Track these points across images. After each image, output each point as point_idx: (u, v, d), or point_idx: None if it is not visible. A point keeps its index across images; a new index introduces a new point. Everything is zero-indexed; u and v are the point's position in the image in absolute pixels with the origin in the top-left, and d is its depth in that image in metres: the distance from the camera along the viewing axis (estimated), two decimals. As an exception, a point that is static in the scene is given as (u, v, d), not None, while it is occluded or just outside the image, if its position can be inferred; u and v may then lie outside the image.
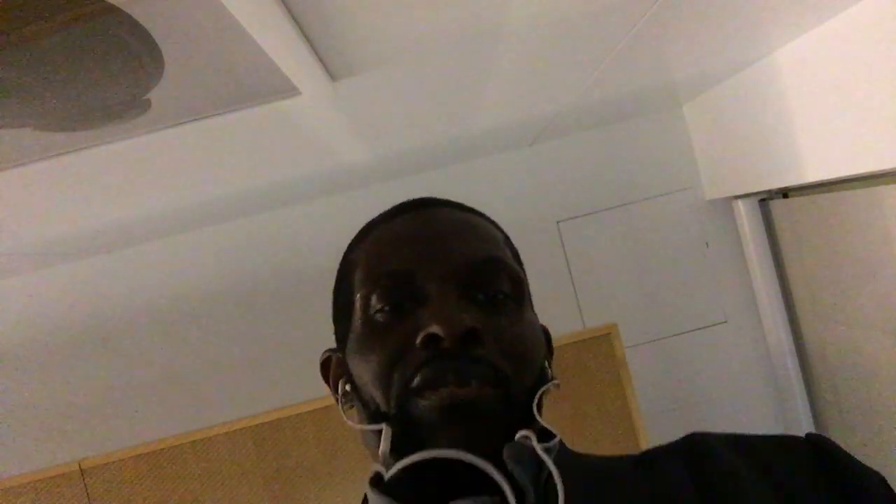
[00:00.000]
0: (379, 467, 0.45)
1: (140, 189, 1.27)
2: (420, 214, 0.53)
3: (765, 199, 1.89)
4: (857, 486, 0.43)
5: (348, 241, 0.57)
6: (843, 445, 0.46)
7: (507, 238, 0.56)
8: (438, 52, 0.90)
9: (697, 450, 0.48)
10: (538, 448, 0.43)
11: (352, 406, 0.51)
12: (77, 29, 0.55)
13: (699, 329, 2.01)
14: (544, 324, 0.55)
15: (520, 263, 0.55)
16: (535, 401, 0.46)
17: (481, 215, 0.56)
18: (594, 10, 0.85)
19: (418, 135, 1.47)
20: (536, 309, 0.54)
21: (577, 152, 2.03)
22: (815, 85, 1.30)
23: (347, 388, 0.51)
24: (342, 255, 0.57)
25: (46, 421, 1.90)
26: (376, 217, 0.56)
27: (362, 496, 0.51)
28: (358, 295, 0.50)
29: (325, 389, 0.57)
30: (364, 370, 0.47)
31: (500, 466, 0.41)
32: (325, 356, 0.57)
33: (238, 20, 0.59)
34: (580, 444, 0.65)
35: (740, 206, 1.92)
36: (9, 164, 0.85)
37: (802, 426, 1.88)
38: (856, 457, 0.46)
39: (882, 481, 0.44)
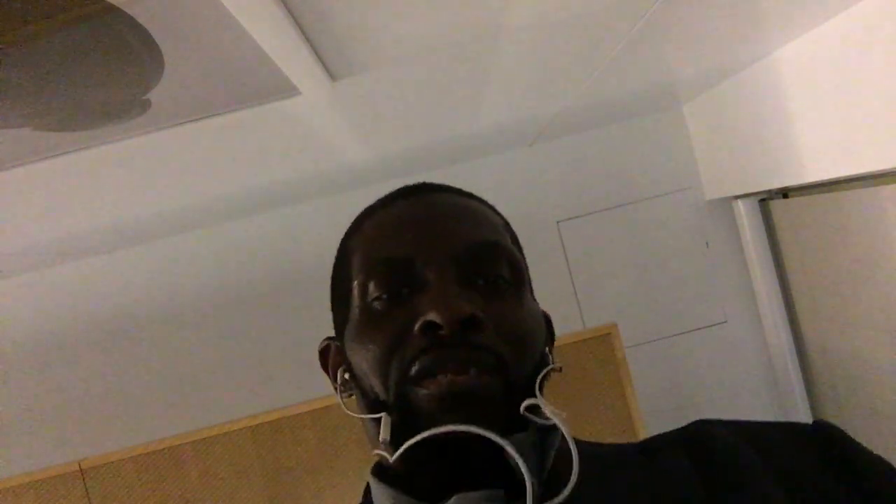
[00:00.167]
0: (382, 452, 0.44)
1: (140, 189, 1.27)
2: (418, 199, 0.52)
3: (765, 199, 1.89)
4: (865, 472, 0.43)
5: None
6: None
7: (506, 223, 0.55)
8: (438, 52, 0.90)
9: (702, 437, 0.48)
10: (559, 422, 0.43)
11: (351, 395, 0.51)
12: (77, 29, 0.55)
13: (699, 329, 2.01)
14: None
15: (519, 249, 0.54)
16: (537, 383, 0.46)
17: (480, 200, 0.55)
18: (594, 10, 0.85)
19: (418, 135, 1.47)
20: (536, 308, 0.54)
21: (577, 152, 2.02)
22: (815, 85, 1.30)
23: (346, 376, 0.50)
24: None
25: (46, 421, 1.90)
26: (374, 202, 0.55)
27: (364, 485, 0.51)
28: (356, 282, 0.49)
29: (324, 387, 0.56)
30: (362, 358, 0.47)
31: (500, 454, 0.41)
32: (323, 344, 0.56)
33: (238, 20, 0.59)
34: (580, 444, 0.65)
35: (740, 206, 1.92)
36: (9, 164, 0.85)
37: (802, 426, 1.88)
38: None
39: (890, 468, 0.43)
